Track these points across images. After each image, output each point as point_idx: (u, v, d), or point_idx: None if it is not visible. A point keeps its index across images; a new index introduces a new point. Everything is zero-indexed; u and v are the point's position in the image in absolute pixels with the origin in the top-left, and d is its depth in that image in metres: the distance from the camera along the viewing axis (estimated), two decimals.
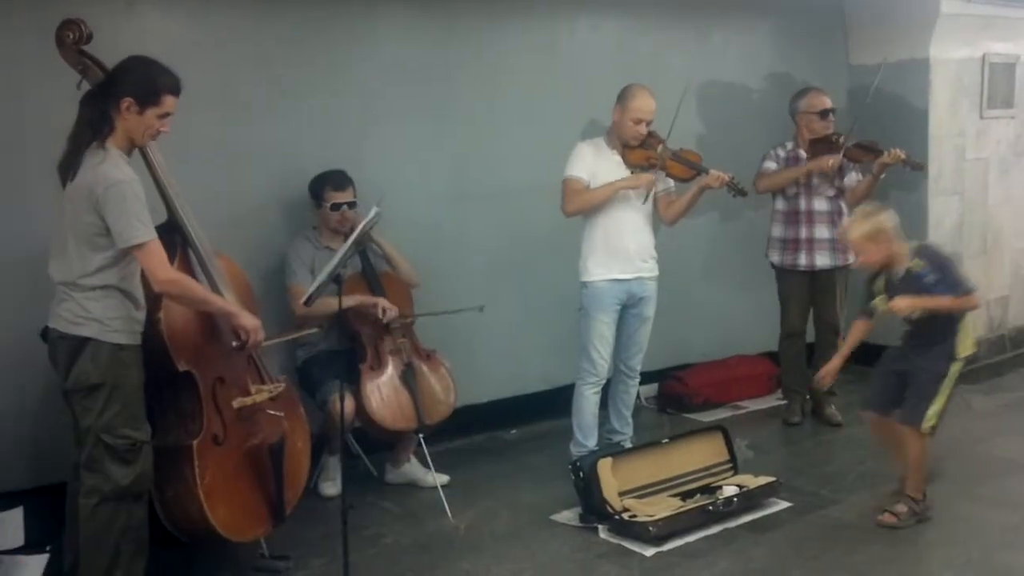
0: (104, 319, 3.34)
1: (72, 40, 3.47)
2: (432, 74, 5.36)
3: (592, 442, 4.91)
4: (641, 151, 4.87)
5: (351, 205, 4.76)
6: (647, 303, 4.95)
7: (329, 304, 4.11)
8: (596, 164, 4.83)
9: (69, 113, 3.43)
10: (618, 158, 4.88)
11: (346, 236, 4.64)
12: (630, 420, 5.15)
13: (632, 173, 4.87)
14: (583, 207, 4.83)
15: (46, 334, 3.46)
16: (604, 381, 4.96)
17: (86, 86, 3.48)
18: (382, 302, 4.67)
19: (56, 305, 3.39)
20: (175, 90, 3.44)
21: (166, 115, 3.43)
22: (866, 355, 6.76)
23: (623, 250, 4.85)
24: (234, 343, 3.74)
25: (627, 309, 4.92)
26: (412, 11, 5.29)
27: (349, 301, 4.40)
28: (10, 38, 4.12)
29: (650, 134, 4.86)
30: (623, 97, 4.85)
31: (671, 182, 4.99)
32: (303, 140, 4.93)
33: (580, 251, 4.92)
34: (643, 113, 4.80)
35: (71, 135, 3.38)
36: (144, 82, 3.38)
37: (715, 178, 4.78)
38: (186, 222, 3.70)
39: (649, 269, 4.95)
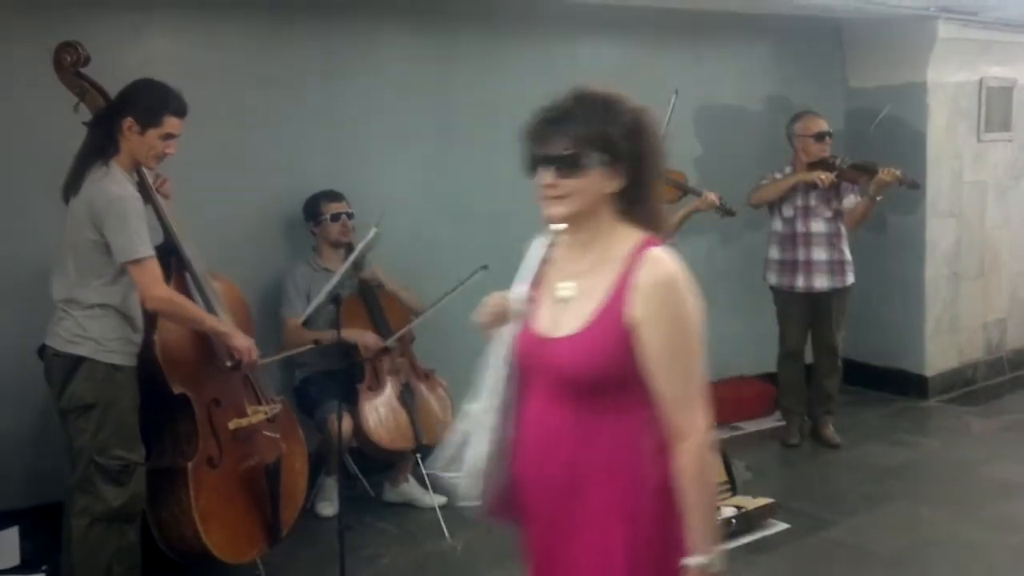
0: (101, 339, 3.34)
1: (70, 63, 3.49)
2: (433, 95, 5.38)
3: None
4: None
5: (350, 215, 4.78)
6: None
7: (312, 336, 4.37)
8: None
9: (69, 134, 3.45)
10: None
11: (345, 253, 4.66)
12: None
13: None
14: None
15: (43, 352, 3.46)
16: None
17: (83, 108, 3.50)
18: (364, 339, 4.64)
19: (54, 323, 3.39)
20: (179, 112, 3.45)
21: (169, 136, 3.43)
22: (863, 376, 6.81)
23: None
24: (228, 363, 3.72)
25: None
26: (414, 33, 5.32)
27: (329, 336, 4.44)
28: (12, 59, 4.14)
29: None
30: None
31: None
32: (304, 160, 4.95)
33: None
34: None
35: (77, 155, 3.40)
36: (146, 103, 3.40)
37: (705, 201, 4.77)
38: (182, 244, 3.71)
39: None
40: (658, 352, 2.00)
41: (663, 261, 2.06)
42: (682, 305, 2.04)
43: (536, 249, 2.31)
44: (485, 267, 4.61)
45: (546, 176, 2.09)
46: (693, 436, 2.01)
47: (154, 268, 3.36)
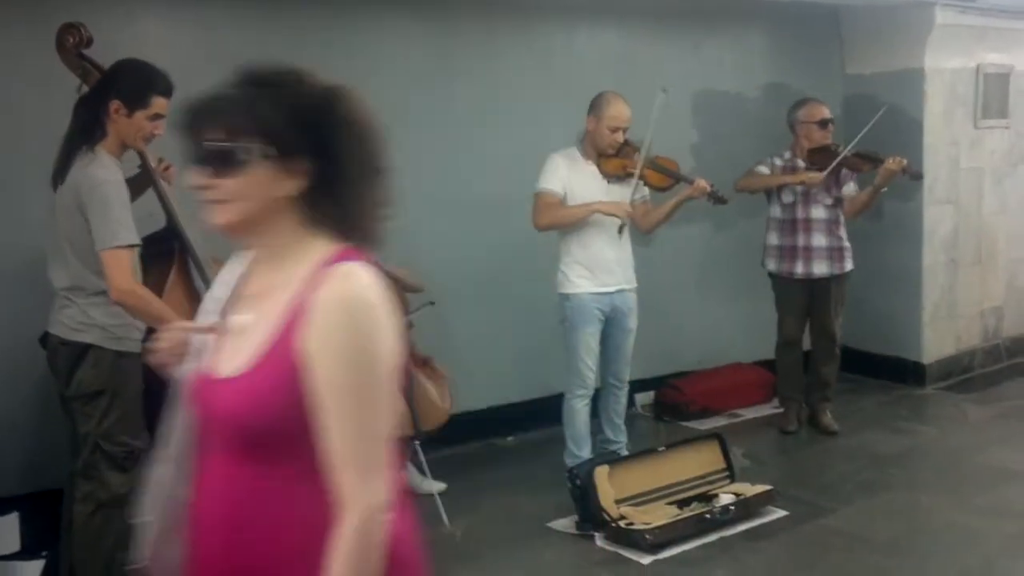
0: (106, 326, 3.32)
1: (73, 44, 3.46)
2: (432, 84, 5.36)
3: (586, 452, 4.88)
4: (618, 160, 4.80)
5: None
6: (631, 315, 4.91)
7: None
8: (571, 176, 4.76)
9: (67, 119, 3.42)
10: (593, 168, 4.81)
11: None
12: (623, 428, 5.12)
13: (609, 183, 4.81)
14: (555, 223, 4.76)
15: (45, 340, 3.44)
16: (592, 392, 4.94)
17: (86, 90, 3.47)
18: None
19: (57, 311, 3.37)
20: (165, 91, 3.41)
21: (157, 117, 3.39)
22: (861, 363, 6.82)
23: (605, 262, 4.80)
24: None
25: (611, 322, 4.87)
26: (411, 21, 5.30)
27: None
28: (8, 44, 4.12)
29: (626, 142, 4.80)
30: (597, 105, 4.78)
31: (646, 190, 4.93)
32: None
33: (559, 262, 4.86)
34: (620, 121, 4.74)
35: (64, 140, 3.36)
36: (132, 84, 3.36)
37: (697, 188, 4.74)
38: (184, 228, 3.69)
39: (629, 280, 4.91)
40: (326, 392, 1.56)
41: (351, 277, 1.60)
42: (366, 335, 1.57)
43: (233, 266, 1.83)
44: (432, 303, 4.64)
45: (199, 175, 1.64)
46: (357, 512, 1.56)
47: (127, 259, 3.27)
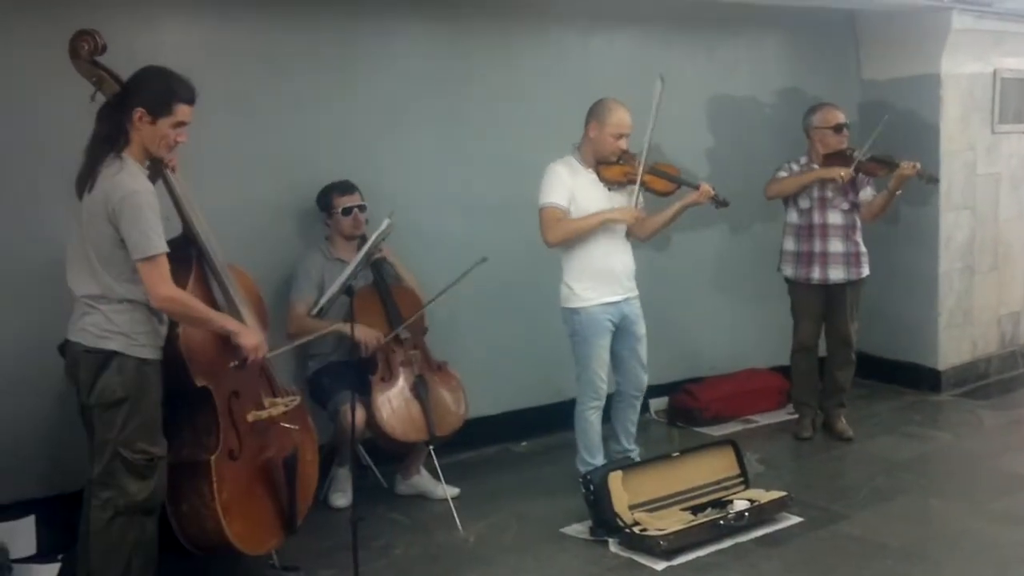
0: (131, 333, 3.33)
1: (87, 51, 3.45)
2: (445, 86, 5.38)
3: (599, 460, 4.85)
4: (619, 167, 4.75)
5: (361, 208, 4.79)
6: (639, 322, 4.89)
7: (316, 326, 4.37)
8: (574, 185, 4.72)
9: (85, 124, 3.44)
10: (593, 176, 4.77)
11: (359, 244, 4.66)
12: (635, 434, 5.10)
13: (610, 191, 4.77)
14: (567, 236, 4.70)
15: (63, 348, 3.44)
16: (605, 401, 4.89)
17: (100, 98, 3.48)
18: (365, 336, 4.59)
19: (78, 319, 3.36)
20: (188, 99, 3.42)
21: (180, 124, 3.41)
22: (876, 369, 6.80)
23: (611, 272, 4.77)
24: (232, 364, 3.66)
25: (622, 331, 4.84)
26: (426, 25, 5.32)
27: (332, 328, 4.43)
28: (26, 48, 4.14)
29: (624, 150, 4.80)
30: (599, 112, 4.74)
31: (641, 199, 4.88)
32: (317, 151, 4.96)
33: (563, 275, 4.82)
34: (624, 127, 4.70)
35: (87, 148, 3.37)
36: (156, 92, 3.36)
37: (703, 193, 4.69)
38: (201, 235, 3.69)
39: (633, 288, 4.88)
40: None
41: None
42: None
43: None
44: (485, 259, 4.56)
45: None
46: None
47: (163, 266, 3.31)
